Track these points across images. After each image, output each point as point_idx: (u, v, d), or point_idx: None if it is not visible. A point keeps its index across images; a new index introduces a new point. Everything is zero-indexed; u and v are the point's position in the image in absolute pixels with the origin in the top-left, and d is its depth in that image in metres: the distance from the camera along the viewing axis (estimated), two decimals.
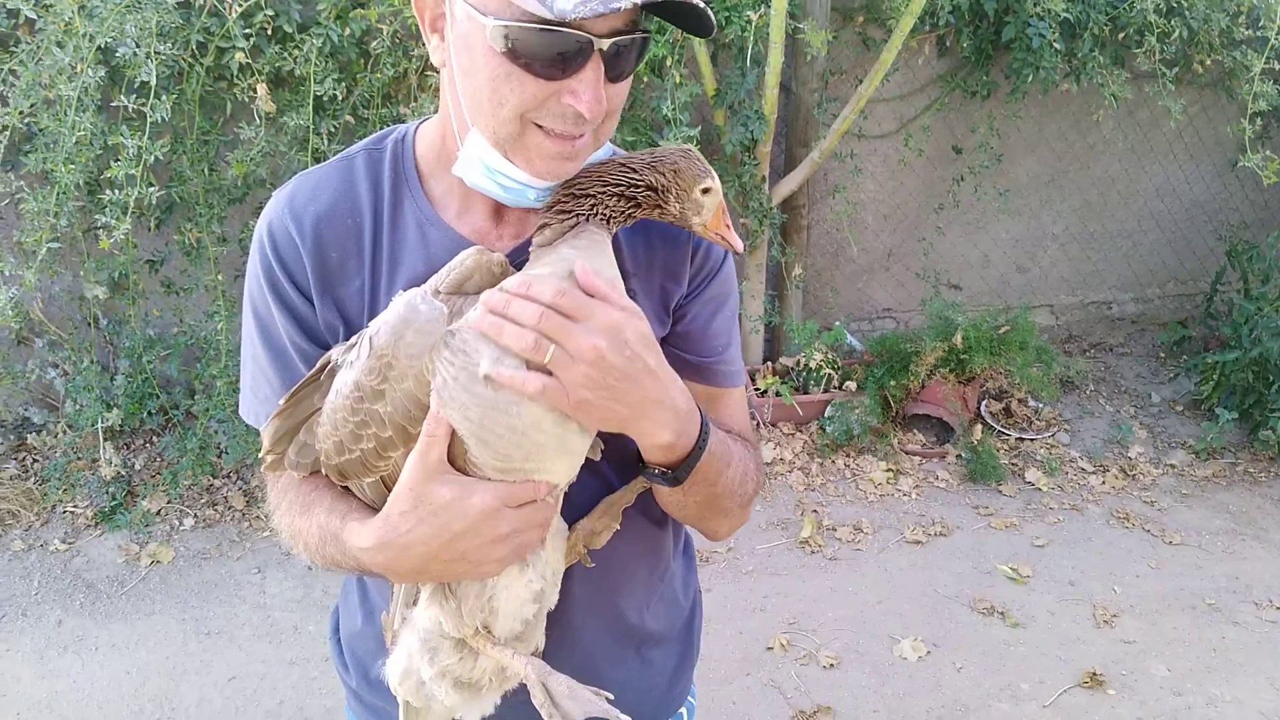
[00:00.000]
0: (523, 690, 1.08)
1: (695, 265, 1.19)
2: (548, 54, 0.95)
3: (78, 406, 3.68)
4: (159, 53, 3.09)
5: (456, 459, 0.99)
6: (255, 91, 3.30)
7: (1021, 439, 4.59)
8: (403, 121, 3.56)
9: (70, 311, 3.88)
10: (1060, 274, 5.49)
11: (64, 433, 3.80)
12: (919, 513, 4.02)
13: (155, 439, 4.04)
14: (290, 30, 3.36)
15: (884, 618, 3.38)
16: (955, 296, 5.15)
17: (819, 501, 4.06)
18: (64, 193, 3.09)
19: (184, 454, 3.74)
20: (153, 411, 3.82)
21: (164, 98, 3.11)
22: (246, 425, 3.63)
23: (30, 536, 3.61)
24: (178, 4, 3.18)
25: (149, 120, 3.09)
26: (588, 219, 1.03)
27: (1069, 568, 3.69)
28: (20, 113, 3.05)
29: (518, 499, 1.00)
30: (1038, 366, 4.50)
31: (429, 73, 3.48)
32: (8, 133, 3.08)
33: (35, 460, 3.94)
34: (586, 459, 1.06)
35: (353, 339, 1.05)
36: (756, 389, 4.42)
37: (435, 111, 1.19)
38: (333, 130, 3.45)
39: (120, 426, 3.74)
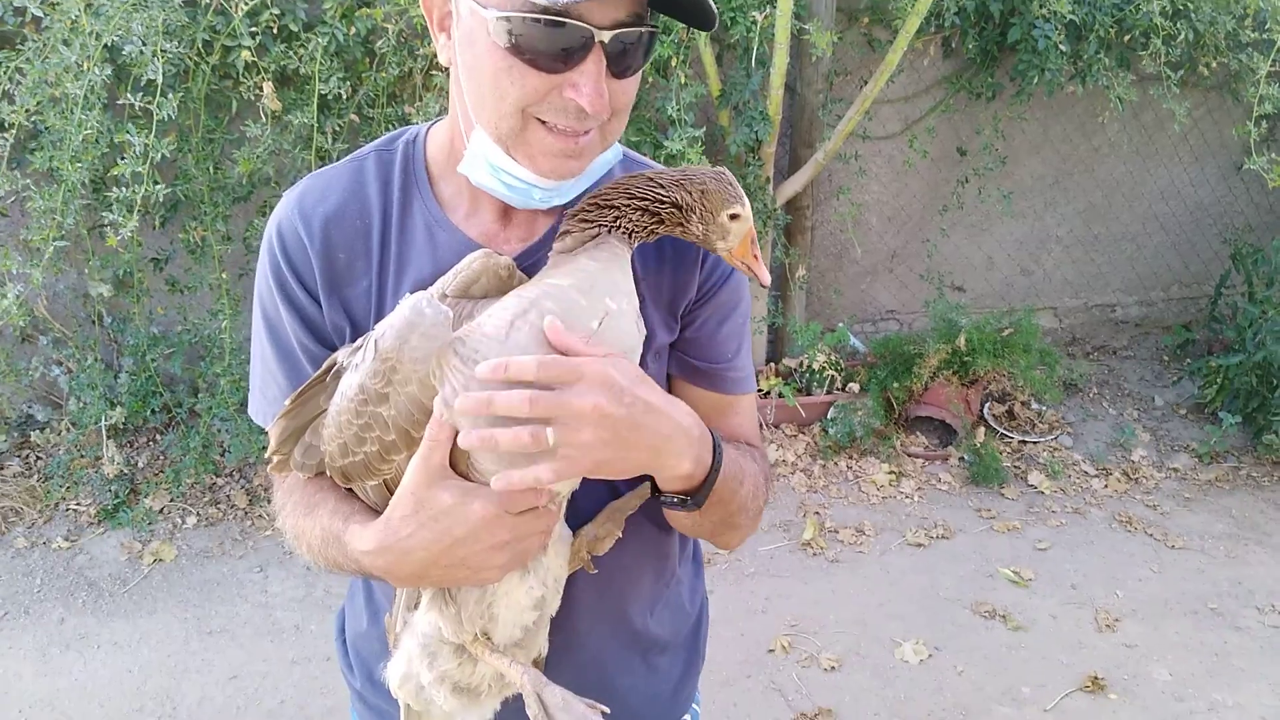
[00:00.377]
0: (522, 697, 1.08)
1: (706, 270, 1.19)
2: (548, 46, 0.95)
3: (81, 404, 3.68)
4: (165, 51, 3.09)
5: (459, 464, 0.99)
6: (261, 90, 3.30)
7: (1024, 442, 4.59)
8: (408, 121, 3.58)
9: (75, 309, 3.88)
10: (1064, 276, 5.49)
11: (67, 430, 3.81)
12: (921, 515, 4.02)
13: (158, 437, 4.05)
14: (296, 29, 3.36)
15: (886, 620, 3.37)
16: (959, 298, 5.14)
17: (821, 503, 4.06)
18: (70, 191, 3.09)
19: (187, 452, 3.75)
20: (156, 410, 3.82)
21: (170, 96, 3.12)
22: (249, 424, 3.66)
23: (33, 534, 3.62)
24: (184, 2, 3.19)
25: (155, 118, 3.10)
26: (610, 230, 1.02)
27: (1071, 571, 3.69)
28: (27, 111, 3.05)
29: (519, 505, 0.99)
30: (1041, 369, 4.50)
31: (434, 72, 3.48)
32: (14, 131, 3.08)
33: (38, 458, 3.95)
34: None
35: (359, 341, 1.05)
36: (759, 390, 4.42)
37: (440, 111, 1.19)
38: (338, 129, 3.46)
39: (123, 424, 3.74)
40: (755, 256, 1.08)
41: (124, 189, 3.10)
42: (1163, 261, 5.61)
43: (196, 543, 3.63)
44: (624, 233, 1.03)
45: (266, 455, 1.13)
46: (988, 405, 4.74)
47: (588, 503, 1.16)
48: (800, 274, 4.67)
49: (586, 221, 1.03)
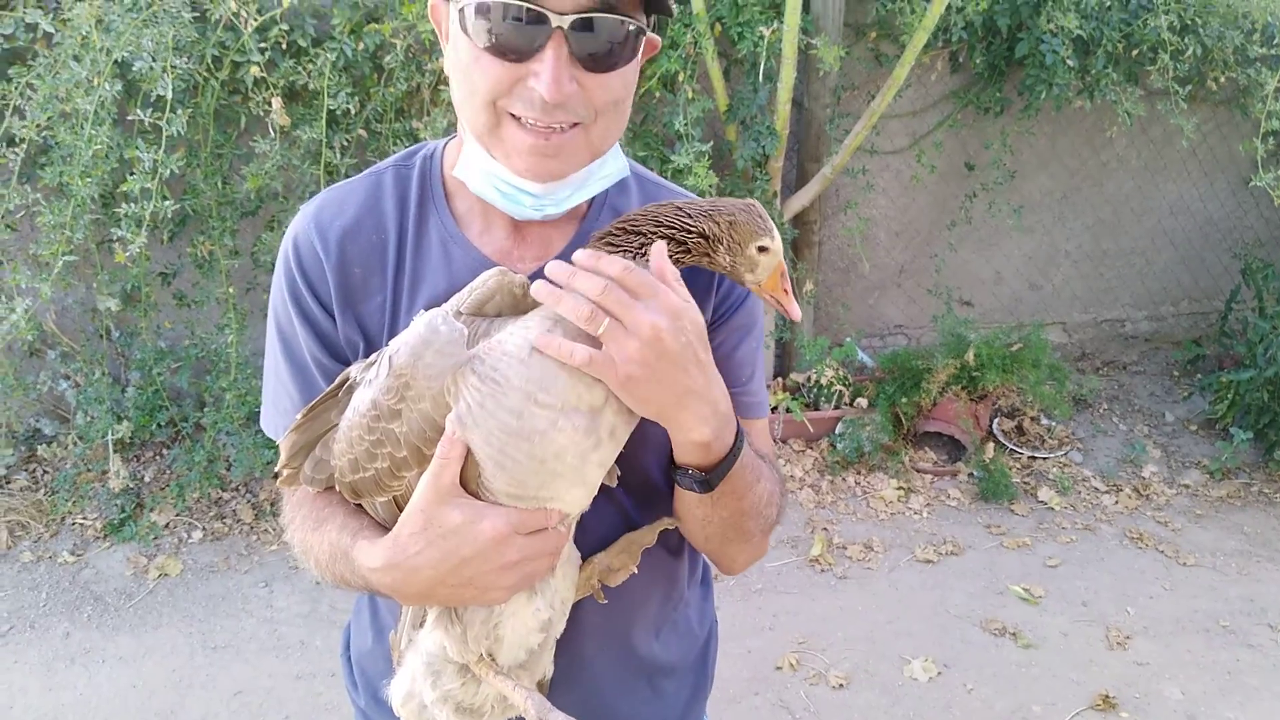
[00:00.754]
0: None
1: (721, 293, 1.18)
2: (509, 33, 0.96)
3: (88, 418, 3.68)
4: (175, 67, 3.11)
5: (469, 482, 0.98)
6: (270, 105, 3.31)
7: (1034, 457, 4.56)
8: (416, 135, 3.60)
9: (83, 323, 3.89)
10: (1073, 291, 5.47)
11: (74, 444, 3.81)
12: (930, 531, 4.00)
13: (164, 451, 4.05)
14: (305, 45, 3.38)
15: (894, 638, 3.35)
16: (967, 313, 5.13)
17: (829, 519, 4.04)
18: (80, 206, 3.10)
19: (192, 467, 3.74)
20: (162, 424, 3.83)
21: (180, 111, 3.13)
22: (254, 439, 3.66)
23: (39, 548, 3.61)
24: (194, 18, 3.20)
25: (165, 134, 3.11)
26: (635, 256, 1.02)
27: (1082, 588, 3.65)
28: (37, 126, 3.07)
29: (529, 526, 0.98)
30: (1050, 384, 4.47)
31: (442, 87, 3.49)
32: (25, 145, 3.10)
33: (45, 472, 3.95)
34: (602, 485, 1.05)
35: (372, 357, 1.05)
36: None
37: (449, 125, 1.19)
38: (346, 144, 3.47)
39: (130, 439, 3.74)
40: (785, 290, 1.07)
41: (133, 205, 3.11)
42: (1172, 276, 5.59)
43: (202, 557, 3.62)
44: (647, 259, 1.02)
45: (276, 468, 1.12)
46: (997, 421, 4.71)
47: (597, 526, 1.14)
48: (808, 289, 4.66)
49: (612, 246, 1.02)
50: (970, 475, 4.36)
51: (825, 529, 3.96)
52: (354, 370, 1.06)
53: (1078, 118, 4.88)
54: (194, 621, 3.31)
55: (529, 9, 0.95)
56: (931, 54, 4.44)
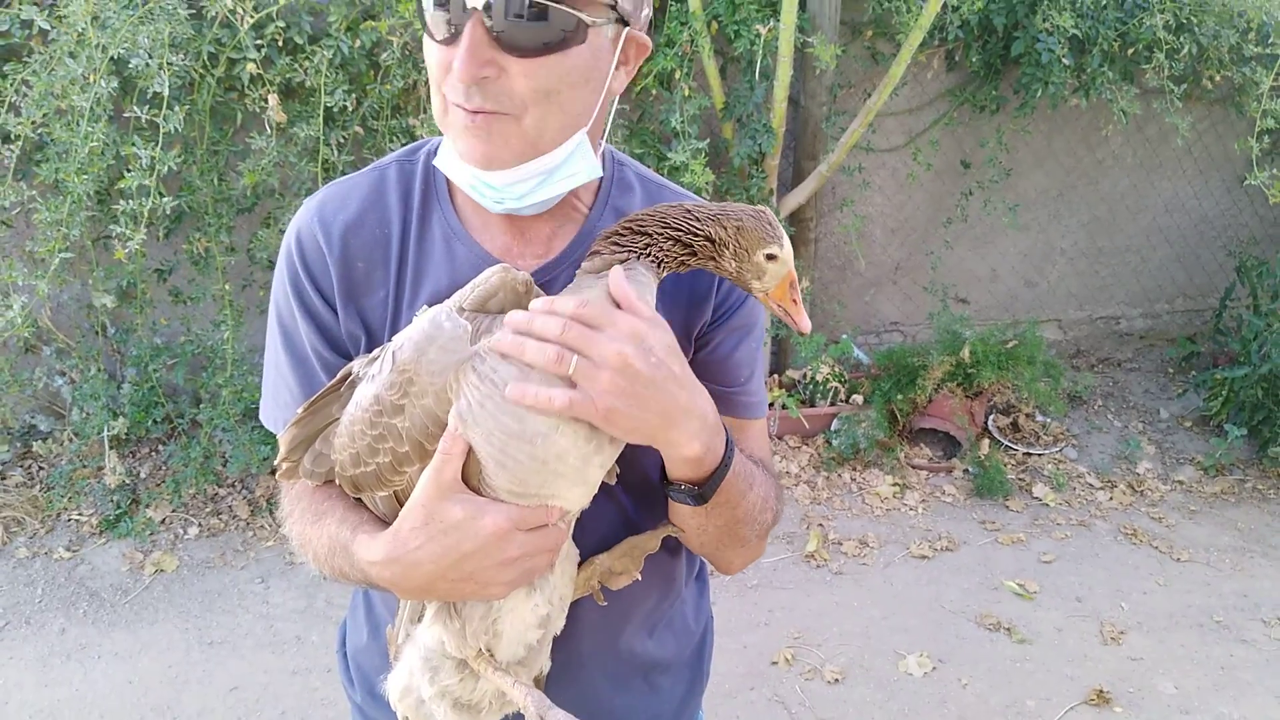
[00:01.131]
0: (522, 715, 1.07)
1: (721, 293, 1.18)
2: (437, 17, 0.98)
3: (84, 414, 3.68)
4: (171, 64, 3.10)
5: (470, 478, 0.99)
6: (266, 102, 3.31)
7: (1029, 454, 4.58)
8: (412, 132, 3.59)
9: (78, 319, 3.89)
10: (1068, 289, 5.48)
11: (70, 440, 3.81)
12: (925, 527, 4.01)
13: (160, 447, 4.05)
14: (301, 42, 3.37)
15: (890, 633, 3.36)
16: (963, 310, 5.14)
17: (825, 515, 4.05)
18: (76, 203, 3.10)
19: (188, 463, 3.74)
20: (158, 420, 3.82)
21: (176, 108, 3.13)
22: (250, 435, 3.66)
23: (35, 544, 3.61)
24: (190, 15, 3.20)
25: (161, 131, 3.11)
26: (639, 257, 1.02)
27: (1076, 584, 3.67)
28: (33, 123, 3.06)
29: (529, 523, 0.99)
30: (1045, 381, 4.49)
31: None
32: (20, 143, 3.09)
33: (41, 468, 3.94)
34: (601, 483, 1.05)
35: (375, 352, 1.05)
36: None
37: None
38: (342, 141, 3.46)
39: (126, 435, 3.74)
40: (795, 301, 1.06)
41: (131, 202, 3.11)
42: (1167, 274, 5.61)
43: (198, 553, 3.63)
44: (653, 261, 1.03)
45: (276, 461, 1.13)
46: (992, 417, 4.73)
47: (596, 523, 1.14)
48: (804, 286, 4.67)
49: (618, 245, 1.02)
50: (965, 472, 4.37)
51: (821, 525, 3.97)
52: (356, 365, 1.07)
53: (1073, 116, 4.90)
54: (190, 617, 3.31)
55: None
56: (927, 52, 4.45)
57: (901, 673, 3.17)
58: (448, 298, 1.04)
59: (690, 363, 1.17)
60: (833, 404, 4.49)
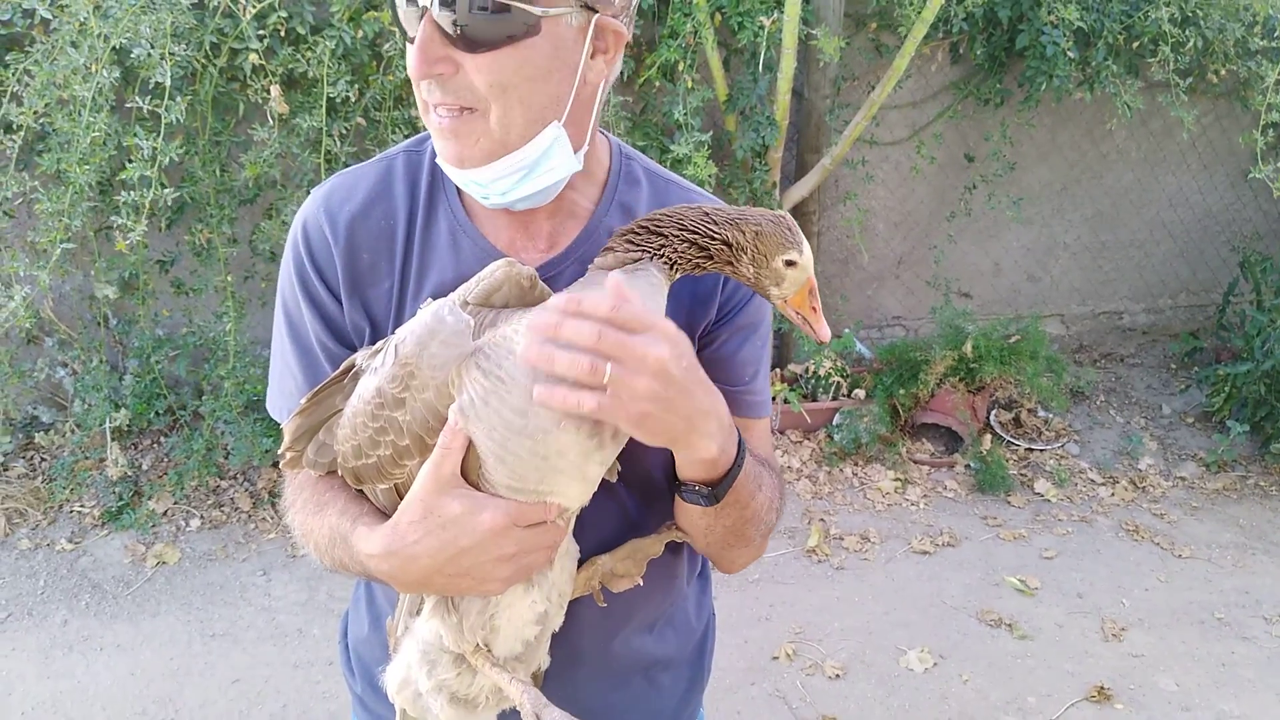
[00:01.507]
0: (518, 710, 1.07)
1: (726, 291, 1.17)
2: (401, 19, 1.00)
3: (86, 406, 3.68)
4: (173, 54, 3.09)
5: (470, 473, 0.98)
6: (268, 93, 3.30)
7: (1031, 449, 4.57)
8: (414, 123, 3.58)
9: (80, 311, 3.89)
10: (1071, 283, 5.47)
11: (72, 432, 3.81)
12: (927, 522, 4.01)
13: (162, 439, 4.05)
14: (303, 32, 3.36)
15: (891, 628, 3.36)
16: (965, 305, 5.13)
17: (826, 510, 4.05)
18: (78, 193, 3.09)
19: (190, 455, 3.74)
20: (160, 412, 3.83)
21: (178, 99, 3.12)
22: (253, 427, 3.66)
23: (37, 535, 3.62)
24: (192, 5, 3.19)
25: (163, 121, 3.10)
26: (652, 258, 1.01)
27: (1077, 580, 3.67)
28: (35, 113, 3.05)
29: (528, 519, 0.98)
30: (1048, 376, 4.48)
31: None
32: (22, 133, 3.09)
33: (43, 459, 3.95)
34: (602, 481, 1.05)
35: (379, 344, 1.05)
36: None
37: None
38: (344, 131, 3.46)
39: (128, 427, 3.74)
40: (814, 309, 1.05)
41: (132, 193, 3.10)
42: (1170, 269, 5.59)
43: (200, 545, 3.63)
44: (666, 262, 1.02)
45: (280, 451, 1.12)
46: (994, 412, 4.72)
47: (597, 521, 1.14)
48: None
49: (631, 244, 1.01)
50: (967, 467, 4.37)
51: (822, 520, 3.96)
52: (360, 357, 1.06)
53: (1078, 110, 4.88)
54: (192, 610, 3.32)
55: None
56: (932, 45, 4.43)
57: (902, 668, 3.17)
58: (452, 291, 1.03)
59: None
60: (835, 398, 4.49)
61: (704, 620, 1.41)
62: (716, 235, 1.01)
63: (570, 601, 1.14)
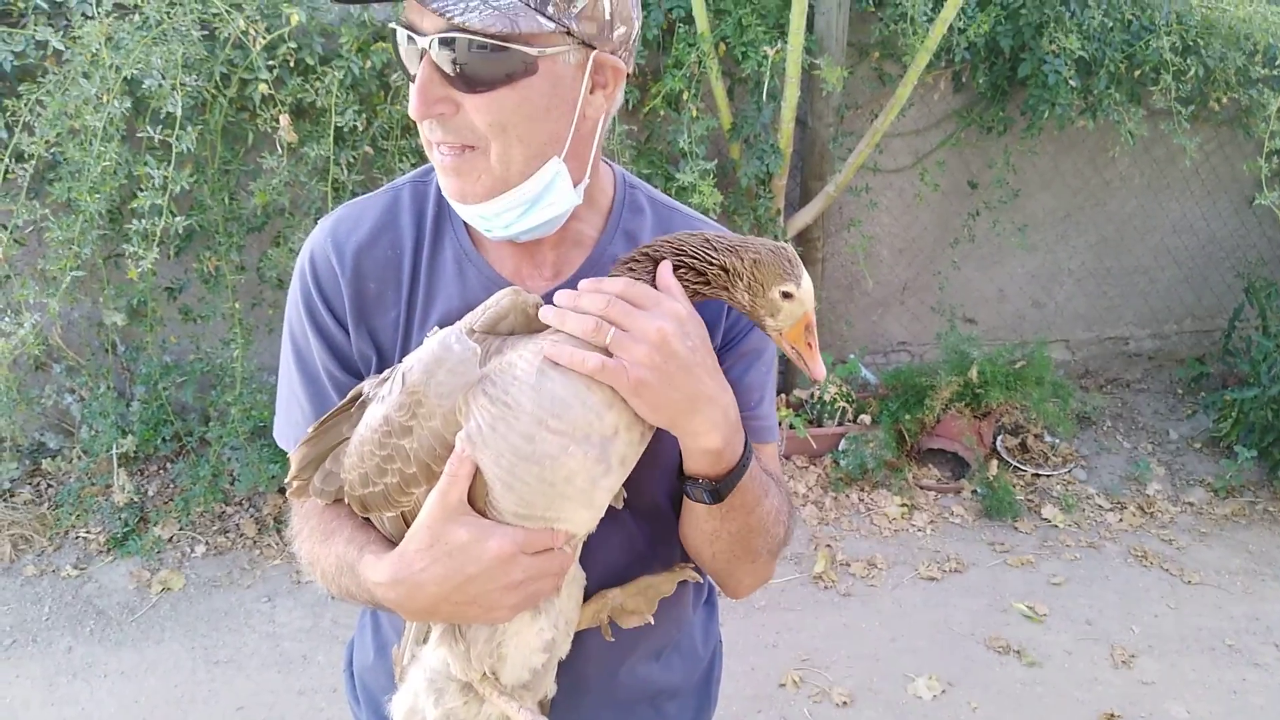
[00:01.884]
0: None
1: (731, 318, 1.19)
2: (402, 58, 1.02)
3: (93, 432, 3.69)
4: (184, 84, 3.13)
5: (477, 500, 0.99)
6: (277, 122, 3.33)
7: (1038, 475, 4.55)
8: (421, 152, 3.60)
9: (89, 337, 3.91)
10: (1076, 309, 5.47)
11: (79, 458, 3.82)
12: (934, 548, 3.99)
13: (168, 465, 4.05)
14: (312, 63, 3.40)
15: (898, 655, 3.34)
16: (971, 330, 5.13)
17: (833, 536, 4.03)
18: (88, 221, 3.12)
19: (196, 481, 3.75)
20: (167, 438, 3.84)
21: (188, 128, 3.15)
22: (259, 453, 3.66)
23: (43, 562, 3.62)
24: (203, 36, 3.23)
25: (174, 150, 3.13)
26: (652, 283, 1.02)
27: (1086, 606, 3.64)
28: (46, 142, 3.09)
29: (535, 546, 0.99)
30: (1054, 402, 4.47)
31: None
32: (34, 161, 3.12)
33: (49, 485, 3.95)
34: (609, 508, 1.05)
35: (386, 373, 1.06)
36: None
37: None
38: (352, 160, 3.49)
39: (134, 453, 3.75)
40: (809, 344, 1.05)
41: (142, 221, 3.13)
42: (1175, 295, 5.59)
43: (205, 572, 3.62)
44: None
45: (287, 480, 1.13)
46: (1000, 438, 4.71)
47: (603, 548, 1.14)
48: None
49: (632, 271, 1.03)
50: (974, 492, 4.35)
51: (829, 546, 3.95)
52: (367, 385, 1.07)
53: (1080, 137, 4.90)
54: (196, 636, 3.31)
55: (408, 36, 1.00)
56: (934, 74, 4.46)
57: (910, 695, 3.15)
58: (459, 319, 1.04)
59: None
60: (840, 424, 4.48)
61: (710, 648, 1.40)
62: (714, 260, 1.02)
63: (577, 631, 1.14)
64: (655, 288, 1.01)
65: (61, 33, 3.17)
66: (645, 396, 0.96)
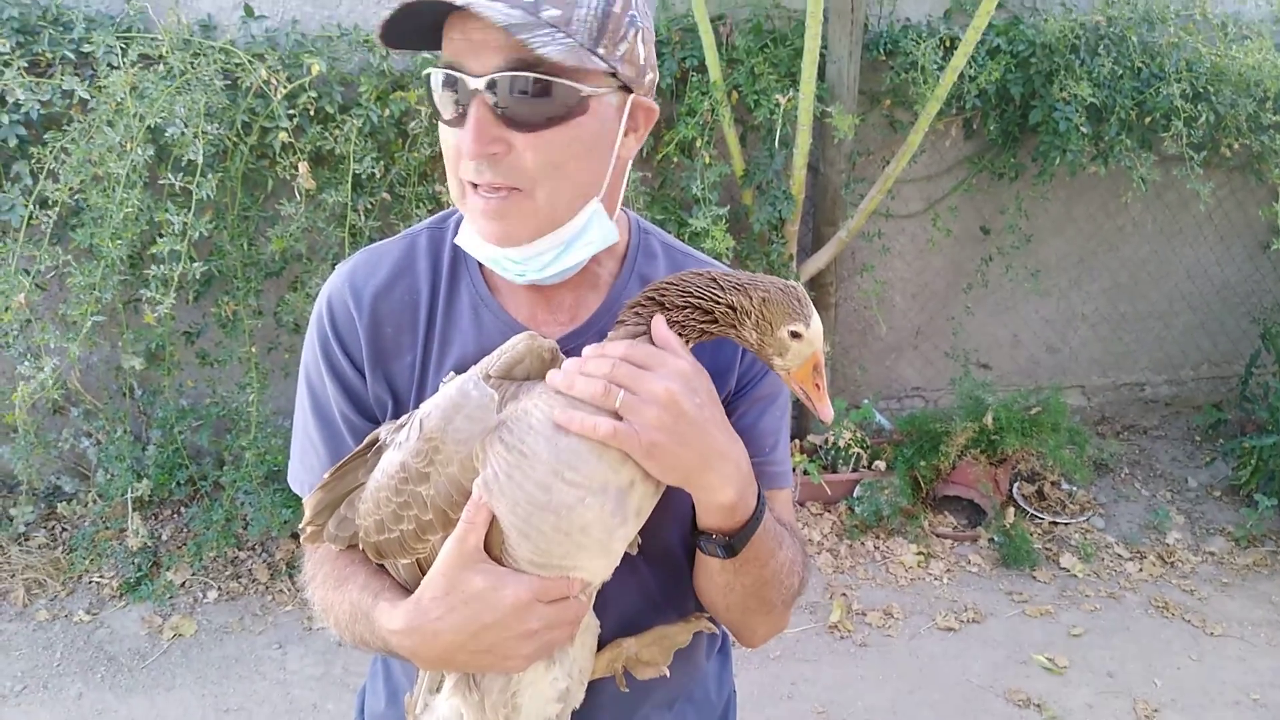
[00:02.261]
0: None
1: (745, 363, 1.19)
2: (447, 101, 1.01)
3: (109, 476, 3.70)
4: (206, 132, 3.19)
5: (493, 548, 0.98)
6: (297, 169, 3.39)
7: (1055, 523, 4.50)
8: (438, 199, 3.65)
9: (106, 381, 3.93)
10: (1091, 355, 5.45)
11: (94, 502, 3.83)
12: (951, 598, 3.93)
13: (182, 509, 4.05)
14: (332, 111, 3.47)
15: (916, 708, 3.28)
16: (985, 376, 5.11)
17: (848, 584, 3.99)
18: (109, 267, 3.16)
19: (210, 525, 3.75)
20: (181, 482, 3.84)
21: (209, 175, 3.21)
22: (272, 498, 3.66)
23: (55, 606, 3.61)
24: (225, 86, 3.29)
25: (194, 197, 3.18)
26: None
27: (1107, 658, 3.58)
28: (70, 189, 3.14)
29: (550, 594, 0.98)
30: (1070, 449, 4.43)
31: None
32: (57, 208, 3.17)
33: (64, 529, 3.96)
34: (624, 555, 1.05)
35: (402, 419, 1.06)
36: None
37: None
38: (369, 207, 3.53)
39: (149, 497, 3.76)
40: (818, 386, 1.04)
41: (162, 266, 3.17)
42: (1191, 340, 5.57)
43: (216, 617, 3.61)
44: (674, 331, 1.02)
45: (301, 525, 1.13)
46: (1017, 485, 4.66)
47: (617, 595, 1.13)
48: (825, 350, 4.66)
49: (639, 316, 1.03)
50: (991, 540, 4.30)
51: (844, 594, 3.90)
52: (383, 431, 1.07)
53: (1092, 183, 4.92)
54: (207, 684, 3.28)
55: (455, 76, 0.99)
56: (945, 121, 4.50)
57: None
58: (474, 364, 1.04)
59: None
60: (855, 470, 4.45)
61: (724, 697, 1.39)
62: (721, 300, 1.01)
63: (590, 679, 1.13)
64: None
65: (87, 82, 3.24)
66: (658, 458, 0.96)
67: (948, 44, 4.13)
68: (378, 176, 3.49)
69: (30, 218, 3.20)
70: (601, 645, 1.14)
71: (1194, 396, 5.62)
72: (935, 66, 3.98)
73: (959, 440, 4.30)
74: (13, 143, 3.27)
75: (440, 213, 1.25)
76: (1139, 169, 4.37)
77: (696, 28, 3.75)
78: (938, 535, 4.34)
